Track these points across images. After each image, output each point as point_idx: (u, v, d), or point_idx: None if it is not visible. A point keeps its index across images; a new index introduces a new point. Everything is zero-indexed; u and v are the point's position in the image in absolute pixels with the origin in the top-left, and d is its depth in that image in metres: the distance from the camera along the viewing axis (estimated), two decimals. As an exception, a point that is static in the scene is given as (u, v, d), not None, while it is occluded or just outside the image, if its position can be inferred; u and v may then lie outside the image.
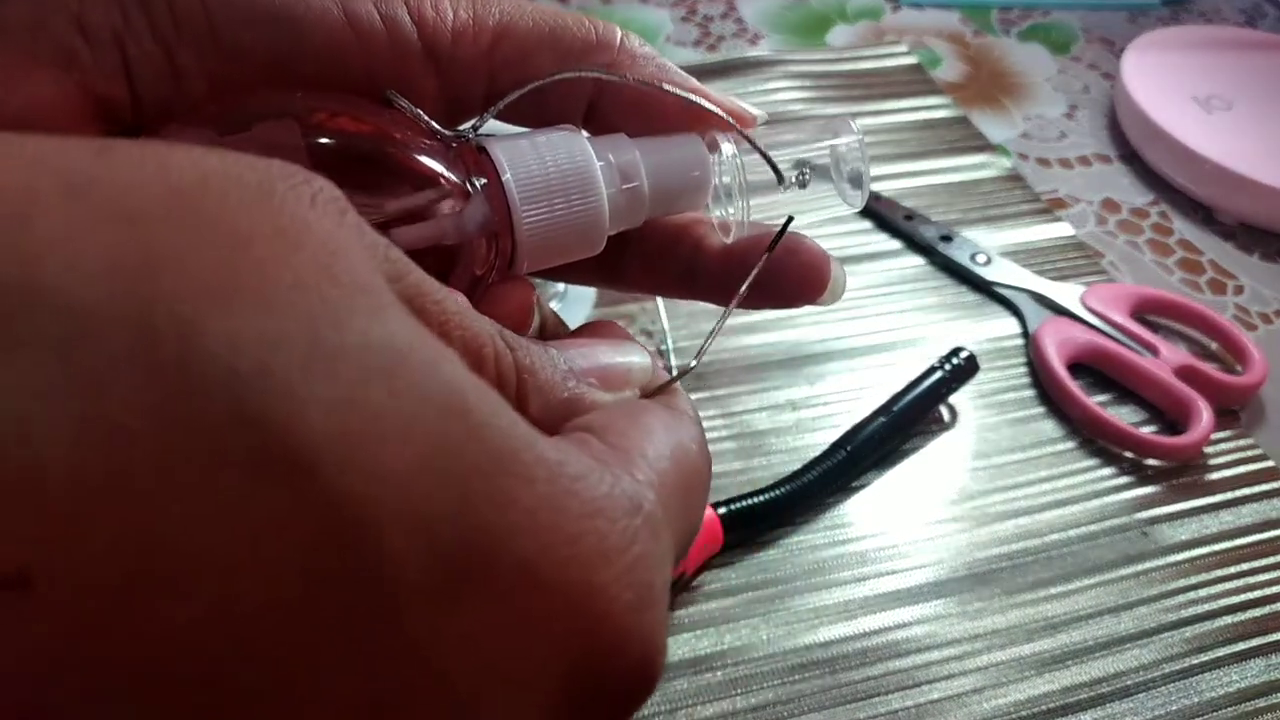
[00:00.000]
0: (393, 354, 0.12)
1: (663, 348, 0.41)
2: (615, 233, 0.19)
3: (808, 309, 0.43)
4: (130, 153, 0.11)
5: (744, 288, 0.19)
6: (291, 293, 0.11)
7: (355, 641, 0.11)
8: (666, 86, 0.19)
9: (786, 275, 0.20)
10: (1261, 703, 0.32)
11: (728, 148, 0.20)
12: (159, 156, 0.11)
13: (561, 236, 0.19)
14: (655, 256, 0.21)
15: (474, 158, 0.18)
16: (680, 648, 0.32)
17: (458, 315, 0.14)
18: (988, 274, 0.46)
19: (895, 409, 0.38)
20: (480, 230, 0.18)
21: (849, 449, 0.36)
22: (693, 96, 0.19)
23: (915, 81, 0.59)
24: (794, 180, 0.20)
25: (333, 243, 0.12)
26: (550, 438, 0.14)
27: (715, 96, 0.20)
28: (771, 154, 0.20)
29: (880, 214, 0.48)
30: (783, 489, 0.35)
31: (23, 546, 0.09)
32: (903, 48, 0.62)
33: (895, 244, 0.48)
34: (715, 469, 0.37)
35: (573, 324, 0.44)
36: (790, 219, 0.20)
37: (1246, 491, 0.38)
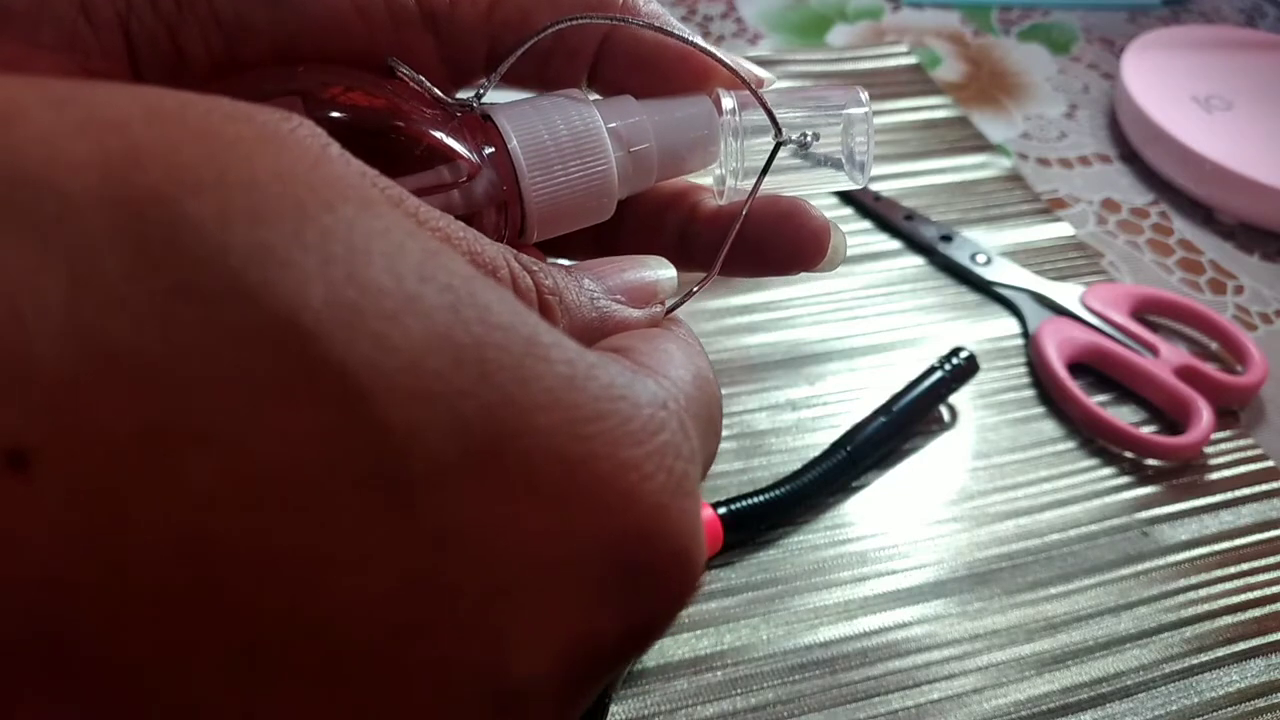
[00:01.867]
0: (389, 239, 0.11)
1: (663, 348, 0.41)
2: (624, 197, 0.19)
3: (807, 310, 0.44)
4: (113, 85, 0.11)
5: (726, 244, 0.19)
6: (279, 182, 0.11)
7: (375, 515, 0.10)
8: (674, 29, 0.19)
9: (784, 239, 0.20)
10: (1261, 703, 0.32)
11: (728, 102, 0.20)
12: (140, 89, 0.11)
13: (571, 202, 0.18)
14: (650, 222, 0.21)
15: (479, 126, 0.18)
16: (680, 647, 0.32)
17: (464, 237, 0.14)
18: (988, 274, 0.46)
19: (895, 409, 0.38)
20: (489, 200, 0.18)
21: (849, 449, 0.36)
22: (700, 42, 0.19)
23: (915, 81, 0.59)
24: (796, 140, 0.20)
25: (318, 154, 0.12)
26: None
27: (722, 54, 0.20)
28: (776, 113, 0.20)
29: (880, 214, 0.48)
30: (783, 489, 0.35)
31: (19, 425, 0.09)
32: (903, 48, 0.62)
33: (895, 244, 0.48)
34: (715, 469, 0.37)
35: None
36: (778, 146, 0.20)
37: (1246, 491, 0.38)
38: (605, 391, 0.12)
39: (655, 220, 0.21)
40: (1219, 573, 0.36)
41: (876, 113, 0.56)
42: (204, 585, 0.09)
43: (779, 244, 0.20)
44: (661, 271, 0.18)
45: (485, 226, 0.18)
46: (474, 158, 0.17)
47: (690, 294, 0.19)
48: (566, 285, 0.15)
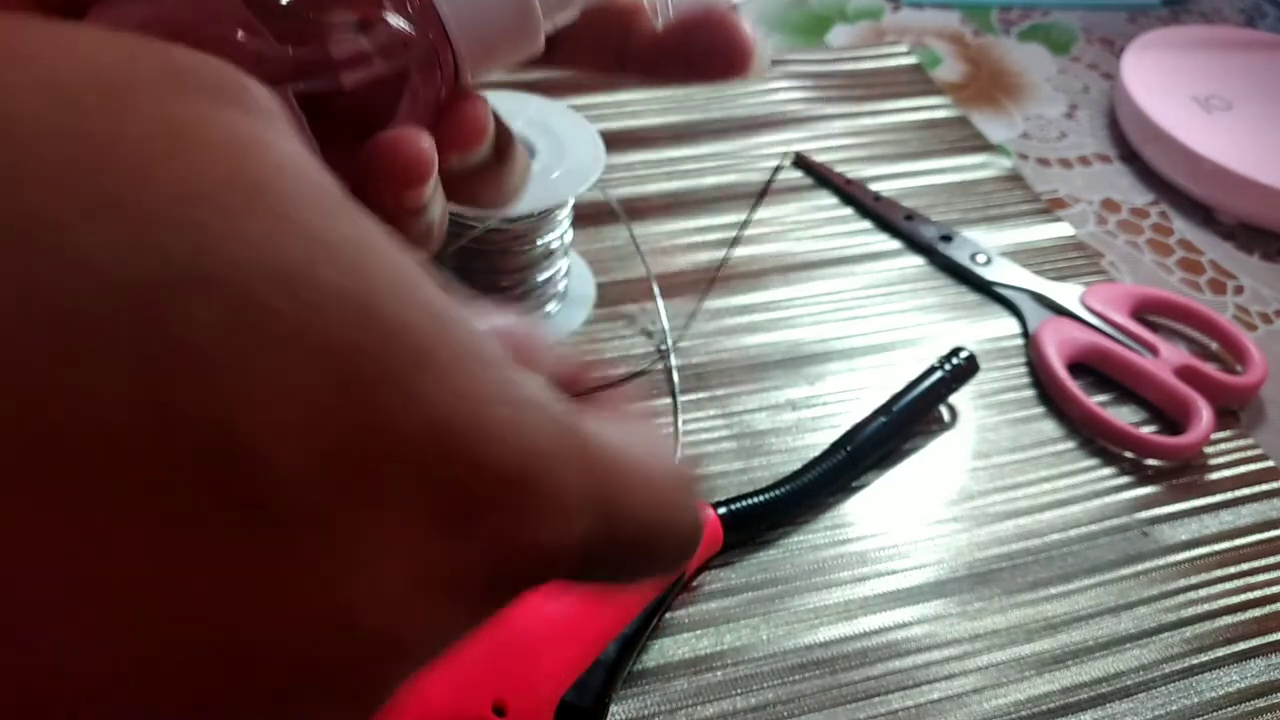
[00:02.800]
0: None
1: (662, 347, 0.41)
2: (551, 26, 0.19)
3: (807, 310, 0.44)
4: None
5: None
6: (180, 203, 0.10)
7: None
8: None
9: (715, 48, 0.21)
10: (1261, 703, 0.32)
11: None
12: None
13: (495, 28, 0.18)
14: (589, 46, 0.22)
15: None
16: (680, 647, 0.32)
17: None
18: (988, 274, 0.46)
19: (895, 409, 0.38)
20: (413, 50, 0.18)
21: (849, 449, 0.36)
22: None
23: (915, 82, 0.59)
24: None
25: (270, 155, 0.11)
26: None
27: None
28: None
29: (880, 214, 0.48)
30: (783, 489, 0.35)
31: None
32: (903, 48, 0.62)
33: (895, 244, 0.48)
34: (715, 469, 0.37)
35: (572, 324, 0.44)
36: None
37: (1246, 491, 0.38)
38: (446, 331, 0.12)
39: (599, 41, 0.21)
40: (1219, 573, 0.36)
41: (877, 113, 0.56)
42: None
43: (710, 52, 0.21)
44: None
45: (420, 79, 0.18)
46: (404, 25, 0.18)
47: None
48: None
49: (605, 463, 0.14)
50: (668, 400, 0.39)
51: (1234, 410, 0.42)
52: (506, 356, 0.13)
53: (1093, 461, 0.39)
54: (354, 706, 0.11)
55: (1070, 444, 0.39)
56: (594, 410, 0.15)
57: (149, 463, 0.10)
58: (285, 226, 0.11)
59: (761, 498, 0.34)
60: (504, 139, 0.21)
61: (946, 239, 0.47)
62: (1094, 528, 0.37)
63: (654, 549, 0.15)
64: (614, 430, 0.14)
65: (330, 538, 0.10)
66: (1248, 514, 0.38)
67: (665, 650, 0.32)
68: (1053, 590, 0.34)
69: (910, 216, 0.48)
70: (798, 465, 0.36)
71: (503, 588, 0.12)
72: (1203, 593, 0.35)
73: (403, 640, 0.11)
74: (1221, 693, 0.32)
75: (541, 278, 0.40)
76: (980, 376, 0.40)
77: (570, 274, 0.43)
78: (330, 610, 0.11)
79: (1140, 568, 0.35)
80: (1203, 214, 0.53)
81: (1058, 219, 0.50)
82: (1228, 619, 0.34)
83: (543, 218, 0.38)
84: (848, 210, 0.49)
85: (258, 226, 0.11)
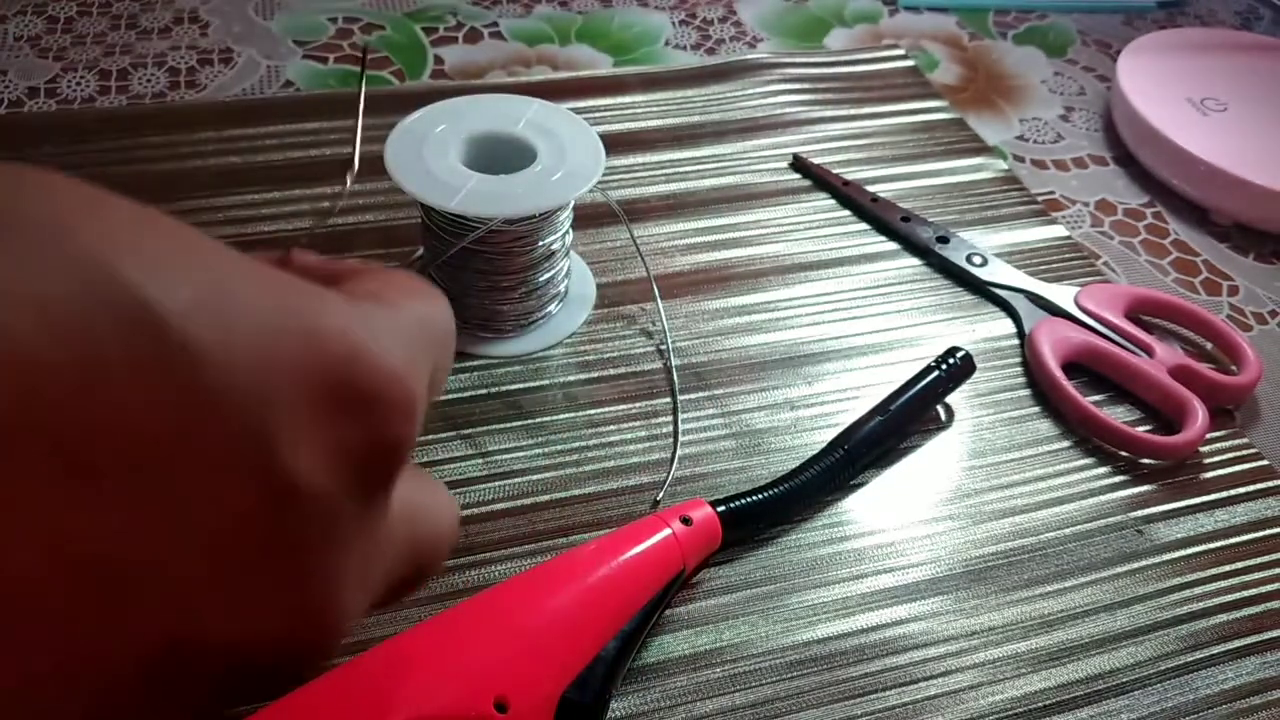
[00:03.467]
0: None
1: (662, 348, 0.41)
2: None
3: (805, 310, 0.44)
4: None
5: None
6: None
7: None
8: None
9: None
10: (1256, 700, 0.32)
11: None
12: None
13: None
14: None
15: None
16: (679, 644, 0.32)
17: None
18: (984, 275, 0.46)
19: (892, 408, 0.38)
20: None
21: (846, 448, 0.37)
22: None
23: (912, 84, 0.59)
24: None
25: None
26: None
27: None
28: None
29: (877, 215, 0.49)
30: (781, 487, 0.35)
31: None
32: (900, 51, 0.62)
33: (892, 245, 0.48)
34: (714, 468, 0.37)
35: (573, 325, 0.44)
36: None
37: (1241, 490, 0.39)
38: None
39: None
40: (1214, 571, 0.36)
41: (874, 116, 0.56)
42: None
43: None
44: None
45: None
46: None
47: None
48: None
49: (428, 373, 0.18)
50: (667, 400, 0.39)
51: (1229, 410, 0.42)
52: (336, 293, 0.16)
53: (1088, 460, 0.39)
54: (296, 557, 0.15)
55: (1066, 443, 0.40)
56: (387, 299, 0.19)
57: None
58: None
59: (760, 496, 0.35)
60: None
61: (943, 240, 0.48)
62: (1089, 526, 0.37)
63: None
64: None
65: (275, 416, 0.14)
66: (1242, 513, 0.38)
67: (665, 647, 0.32)
68: (1048, 588, 0.35)
69: (907, 218, 0.49)
70: (796, 464, 0.37)
71: (378, 466, 0.16)
72: (1198, 590, 0.35)
73: (329, 497, 0.15)
74: (1216, 690, 0.32)
75: (542, 278, 0.40)
76: (976, 376, 0.40)
77: (571, 275, 0.43)
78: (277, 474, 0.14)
79: (1135, 566, 0.36)
80: (1198, 215, 0.53)
81: (1053, 220, 0.50)
82: (1222, 617, 0.34)
83: (544, 219, 0.38)
84: (845, 212, 0.50)
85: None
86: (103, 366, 0.12)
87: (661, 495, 0.36)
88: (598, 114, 0.53)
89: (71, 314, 0.12)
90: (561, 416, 0.39)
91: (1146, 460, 0.39)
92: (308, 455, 0.14)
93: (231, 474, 0.14)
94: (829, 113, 0.56)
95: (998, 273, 0.46)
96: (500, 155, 0.39)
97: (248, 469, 0.14)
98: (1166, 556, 0.36)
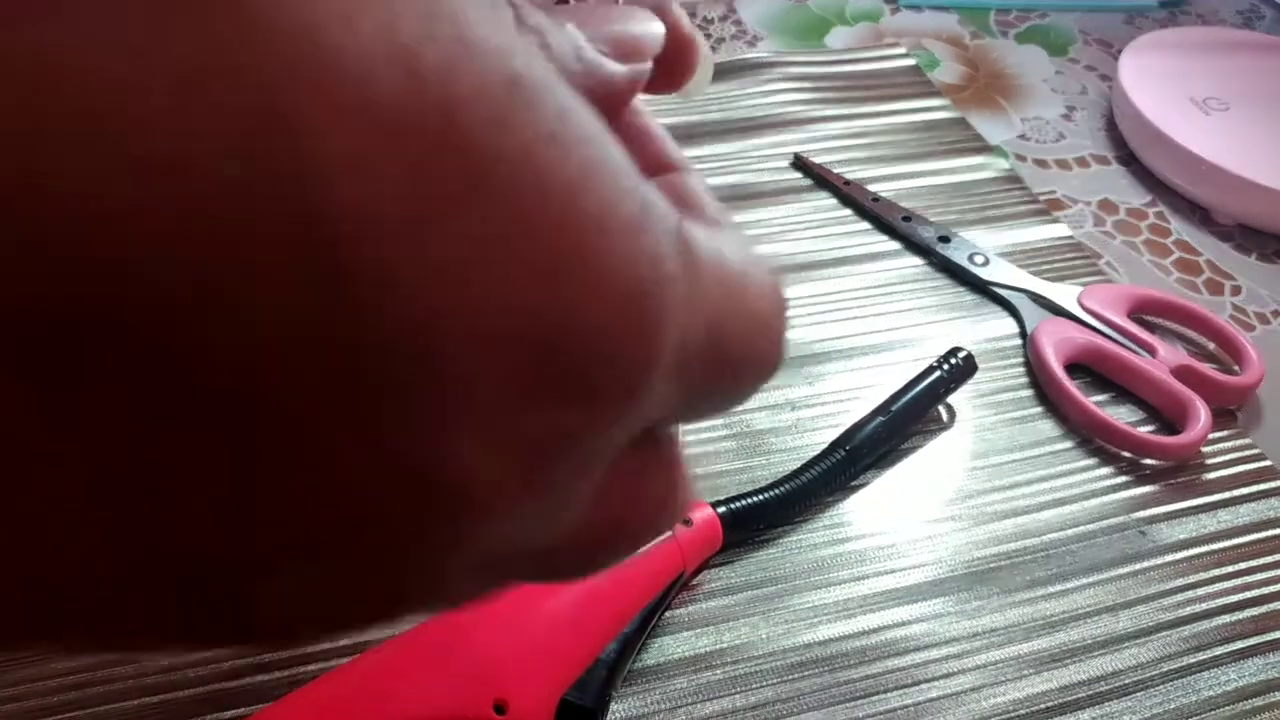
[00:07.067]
0: None
1: (662, 348, 0.41)
2: None
3: (806, 310, 0.44)
4: None
5: None
6: None
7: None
8: None
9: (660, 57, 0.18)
10: (1259, 701, 0.32)
11: None
12: None
13: None
14: None
15: None
16: (680, 646, 0.32)
17: None
18: (986, 274, 0.46)
19: (894, 409, 0.38)
20: None
21: (848, 448, 0.36)
22: None
23: (913, 83, 0.59)
24: None
25: None
26: None
27: None
28: None
29: (879, 215, 0.49)
30: (782, 488, 0.35)
31: None
32: (901, 50, 0.62)
33: (894, 245, 0.48)
34: (715, 468, 0.37)
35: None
36: None
37: (1244, 491, 0.39)
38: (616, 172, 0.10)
39: None
40: (1216, 572, 0.36)
41: (875, 115, 0.56)
42: None
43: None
44: (649, 25, 0.16)
45: None
46: None
47: None
48: (550, 29, 0.13)
49: (727, 301, 0.13)
50: (667, 400, 0.39)
51: (1231, 410, 0.42)
52: (637, 172, 0.11)
53: (1090, 461, 0.39)
54: (415, 552, 0.10)
55: (1068, 444, 0.40)
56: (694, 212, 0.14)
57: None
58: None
59: (761, 497, 0.35)
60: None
61: (945, 240, 0.47)
62: (1092, 527, 0.37)
63: (752, 382, 0.15)
64: (725, 244, 0.13)
65: (428, 378, 0.09)
66: (1245, 513, 0.38)
67: (665, 649, 0.32)
68: (1051, 589, 0.35)
69: (909, 217, 0.49)
70: (797, 465, 0.36)
71: (594, 456, 0.11)
72: (1200, 592, 0.35)
73: (474, 496, 0.10)
74: (1219, 691, 0.32)
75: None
76: (978, 376, 0.40)
77: (570, 275, 0.43)
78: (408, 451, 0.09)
79: (1138, 567, 0.36)
80: (1200, 215, 0.53)
81: (1055, 220, 0.50)
82: (1225, 618, 0.34)
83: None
84: (846, 211, 0.49)
85: None
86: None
87: (662, 496, 0.36)
88: (598, 113, 0.53)
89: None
90: (561, 417, 0.38)
91: (1149, 461, 0.39)
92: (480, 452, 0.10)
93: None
94: (830, 112, 0.56)
95: (1000, 272, 0.46)
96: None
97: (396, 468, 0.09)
98: (1169, 557, 0.36)
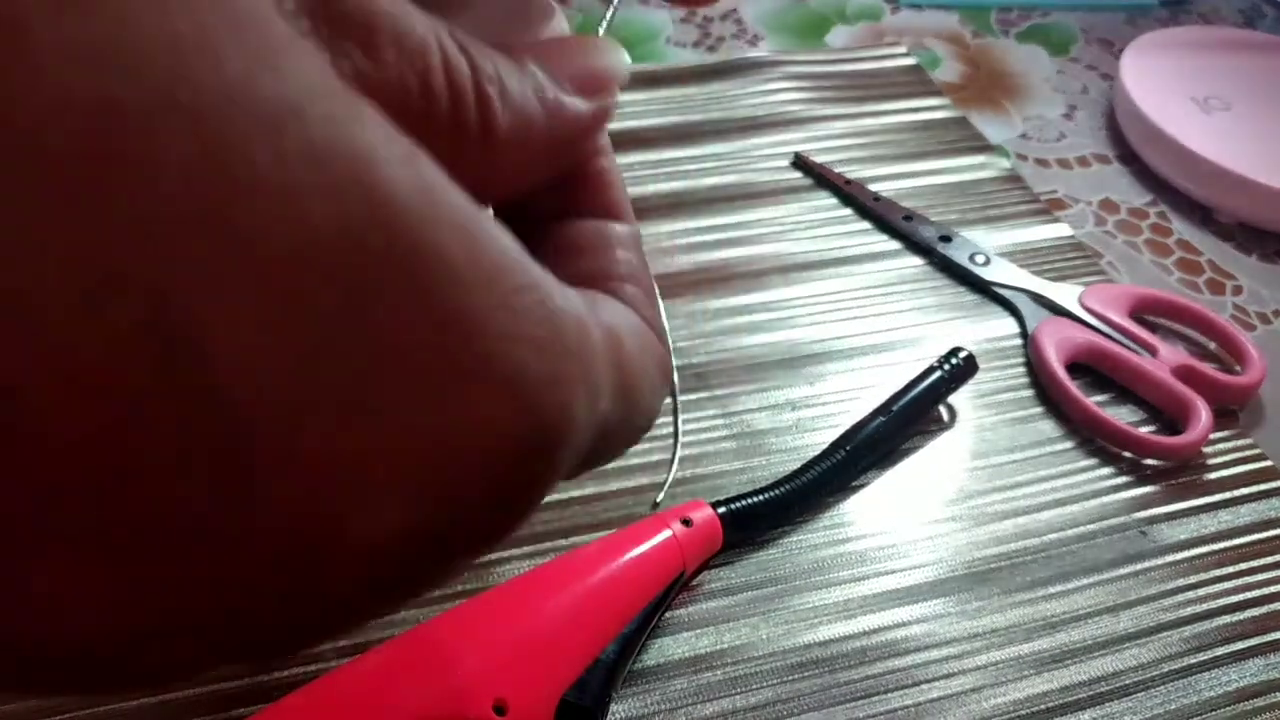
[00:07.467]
0: (283, 107, 0.09)
1: (662, 348, 0.41)
2: None
3: (806, 310, 0.44)
4: None
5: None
6: (147, 22, 0.08)
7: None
8: None
9: None
10: (1260, 702, 0.32)
11: None
12: None
13: None
14: None
15: None
16: (679, 647, 0.32)
17: (388, 17, 0.11)
18: (986, 274, 0.46)
19: (894, 409, 0.38)
20: None
21: (848, 449, 0.36)
22: None
23: (914, 82, 0.59)
24: None
25: None
26: (499, 232, 0.11)
27: None
28: None
29: (879, 214, 0.49)
30: (782, 489, 0.35)
31: None
32: (902, 49, 0.62)
33: (894, 244, 0.48)
34: (715, 468, 0.37)
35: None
36: None
37: (1245, 491, 0.38)
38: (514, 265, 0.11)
39: None
40: (1217, 572, 0.36)
41: (876, 114, 0.56)
42: None
43: None
44: (615, 56, 0.15)
45: None
46: None
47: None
48: (508, 72, 0.13)
49: (624, 368, 0.14)
50: (667, 400, 0.39)
51: (1233, 410, 0.42)
52: (528, 260, 0.12)
53: (1091, 461, 0.39)
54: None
55: (1069, 444, 0.40)
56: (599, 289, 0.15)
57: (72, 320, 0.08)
58: (266, 62, 0.09)
59: (761, 497, 0.35)
60: None
61: (945, 239, 0.47)
62: (1092, 527, 0.37)
63: (634, 437, 0.16)
64: (620, 318, 0.15)
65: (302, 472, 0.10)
66: (1246, 513, 0.38)
67: (665, 649, 0.32)
68: (1051, 589, 0.35)
69: (909, 217, 0.48)
70: (797, 465, 0.36)
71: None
72: (1201, 592, 0.35)
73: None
74: (1220, 692, 0.32)
75: (541, 278, 0.40)
76: (979, 376, 0.40)
77: (570, 274, 0.43)
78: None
79: (1139, 567, 0.36)
80: (1201, 214, 0.53)
81: (1056, 219, 0.50)
82: (1226, 618, 0.34)
83: (543, 218, 0.38)
84: (847, 211, 0.49)
85: (237, 55, 0.09)
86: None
87: (662, 496, 0.36)
88: (598, 112, 0.53)
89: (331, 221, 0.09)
90: (561, 417, 0.38)
91: (1150, 461, 0.39)
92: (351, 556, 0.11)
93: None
94: (831, 111, 0.56)
95: (1001, 272, 0.46)
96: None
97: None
98: (1170, 558, 0.36)
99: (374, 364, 0.10)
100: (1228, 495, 0.38)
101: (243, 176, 0.09)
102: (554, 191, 0.16)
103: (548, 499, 0.38)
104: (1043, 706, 0.31)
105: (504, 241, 0.11)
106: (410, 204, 0.10)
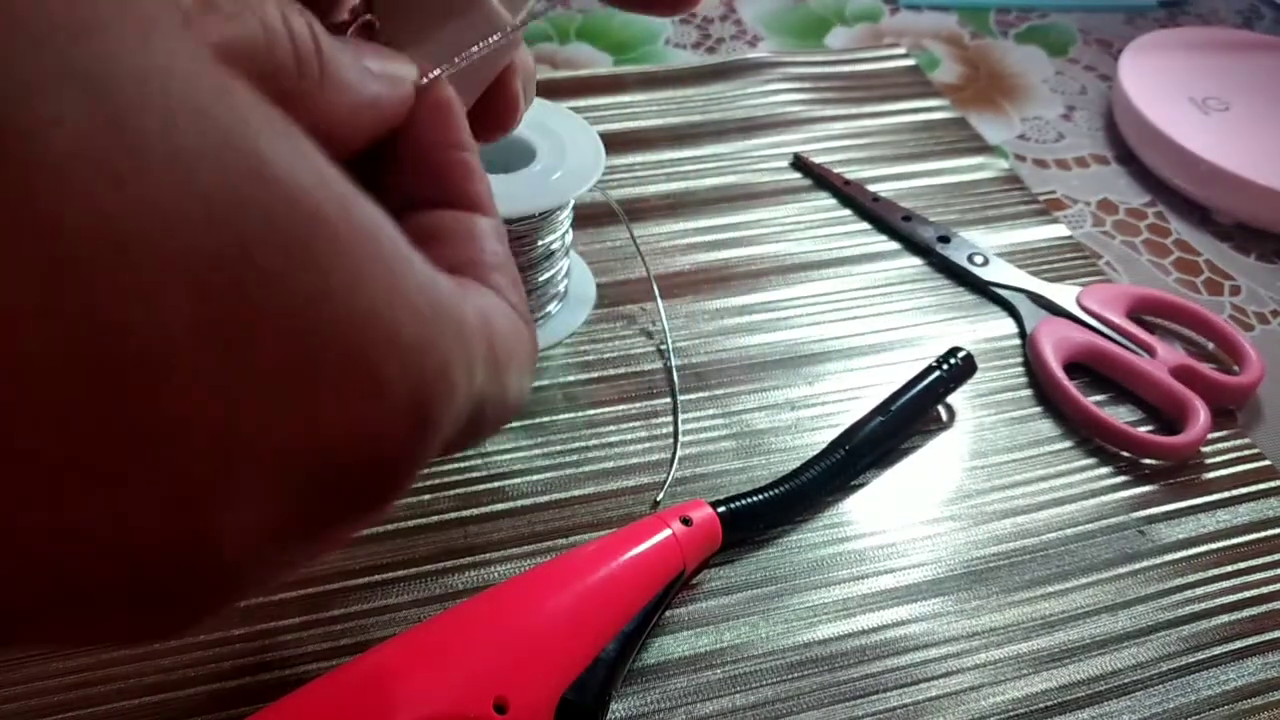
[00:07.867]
0: (163, 78, 0.10)
1: (662, 348, 0.41)
2: None
3: (805, 310, 0.44)
4: None
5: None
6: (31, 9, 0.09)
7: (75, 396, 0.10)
8: None
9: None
10: (1258, 701, 0.32)
11: None
12: None
13: None
14: None
15: None
16: (679, 645, 0.32)
17: None
18: (985, 274, 0.46)
19: (893, 409, 0.38)
20: None
21: (847, 448, 0.36)
22: None
23: (913, 83, 0.59)
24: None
25: None
26: (374, 209, 0.13)
27: None
28: None
29: (878, 215, 0.49)
30: (781, 488, 0.35)
31: None
32: (901, 50, 0.62)
33: (893, 245, 0.48)
34: (714, 468, 0.37)
35: (573, 325, 0.44)
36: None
37: (1243, 490, 0.39)
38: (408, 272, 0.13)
39: None
40: (1215, 571, 0.36)
41: (875, 115, 0.56)
42: None
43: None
44: (407, 69, 0.18)
45: None
46: None
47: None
48: (343, 60, 0.16)
49: (494, 354, 0.15)
50: (668, 400, 0.39)
51: (1231, 410, 0.42)
52: (400, 235, 0.13)
53: (1090, 461, 0.39)
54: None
55: (1067, 443, 0.40)
56: (474, 278, 0.17)
57: None
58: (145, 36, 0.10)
59: (760, 497, 0.35)
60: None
61: (944, 240, 0.47)
62: (1091, 526, 0.37)
63: (506, 415, 0.17)
64: (489, 301, 0.16)
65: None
66: (1244, 513, 0.38)
67: (665, 648, 0.32)
68: (1050, 589, 0.35)
69: (908, 217, 0.49)
70: (796, 465, 0.36)
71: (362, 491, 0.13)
72: (1199, 591, 0.35)
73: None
74: (1218, 690, 0.32)
75: (542, 278, 0.40)
76: (978, 376, 0.40)
77: (571, 274, 0.43)
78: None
79: (1137, 566, 0.36)
80: (1199, 215, 0.53)
81: (1055, 220, 0.50)
82: (1224, 617, 0.34)
83: (543, 219, 0.38)
84: (846, 211, 0.49)
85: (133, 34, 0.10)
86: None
87: (661, 496, 0.36)
88: (597, 113, 0.53)
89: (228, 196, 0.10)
90: (561, 417, 0.38)
91: (1148, 460, 0.39)
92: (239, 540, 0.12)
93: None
94: (830, 112, 0.56)
95: (999, 272, 0.46)
96: (499, 154, 0.38)
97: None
98: (1168, 557, 0.36)
99: (261, 315, 0.11)
100: (1226, 495, 0.38)
101: (136, 144, 0.10)
102: (414, 178, 0.18)
103: (547, 499, 0.38)
104: (1041, 705, 0.31)
105: (376, 212, 0.13)
106: (286, 165, 0.11)
